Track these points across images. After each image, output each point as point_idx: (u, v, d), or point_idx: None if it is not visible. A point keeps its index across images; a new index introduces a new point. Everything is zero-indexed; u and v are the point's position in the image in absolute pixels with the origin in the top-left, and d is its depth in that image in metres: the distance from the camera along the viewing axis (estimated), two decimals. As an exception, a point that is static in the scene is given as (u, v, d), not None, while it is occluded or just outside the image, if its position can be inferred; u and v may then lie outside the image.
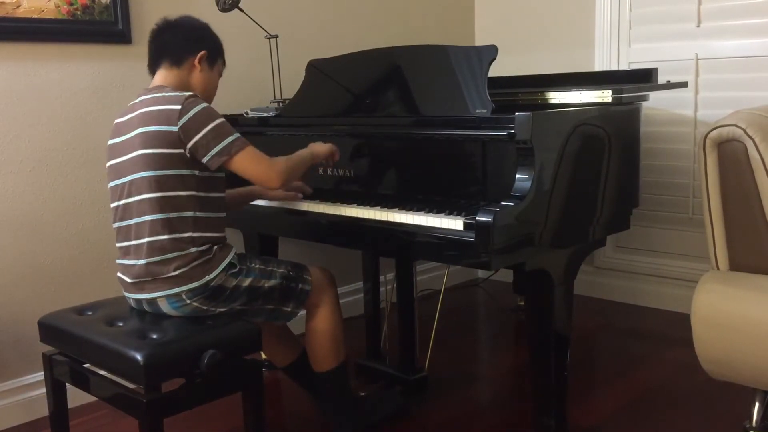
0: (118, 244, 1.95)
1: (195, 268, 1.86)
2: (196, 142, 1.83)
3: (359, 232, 2.12)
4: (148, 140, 1.84)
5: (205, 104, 1.87)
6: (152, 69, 2.04)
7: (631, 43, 3.31)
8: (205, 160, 1.85)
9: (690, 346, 2.02)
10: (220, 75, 2.13)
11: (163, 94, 1.89)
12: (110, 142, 1.98)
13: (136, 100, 1.95)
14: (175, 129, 1.82)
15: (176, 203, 1.85)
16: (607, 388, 2.56)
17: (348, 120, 2.38)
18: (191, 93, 1.89)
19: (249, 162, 1.89)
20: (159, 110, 1.85)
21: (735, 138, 1.96)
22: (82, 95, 2.53)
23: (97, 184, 2.57)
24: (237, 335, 1.87)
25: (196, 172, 1.87)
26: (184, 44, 2.01)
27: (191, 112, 1.83)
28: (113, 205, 1.95)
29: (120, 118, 1.98)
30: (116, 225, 1.94)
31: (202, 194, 1.89)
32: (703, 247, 2.16)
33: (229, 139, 1.86)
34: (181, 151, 1.83)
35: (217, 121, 1.86)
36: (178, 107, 1.83)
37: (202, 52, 2.02)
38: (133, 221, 1.89)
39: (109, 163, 1.97)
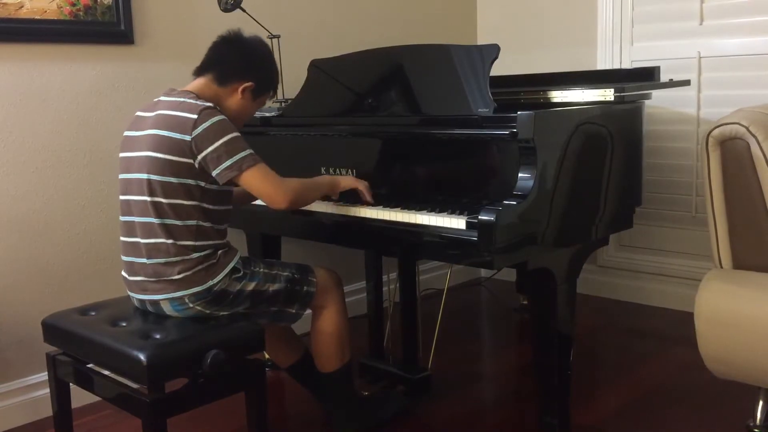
0: (122, 238, 1.95)
1: (198, 273, 1.86)
2: (207, 154, 1.81)
3: (362, 232, 2.12)
4: (159, 144, 1.83)
5: (221, 116, 1.85)
6: (198, 72, 2.00)
7: (634, 42, 3.31)
8: (215, 173, 1.83)
9: (693, 345, 2.02)
10: (262, 105, 2.09)
11: (185, 100, 1.87)
12: (126, 133, 1.97)
13: (162, 98, 1.93)
14: (188, 138, 1.81)
15: (180, 211, 1.85)
16: (610, 386, 2.55)
17: (350, 119, 2.38)
18: (210, 104, 1.86)
19: (258, 179, 1.86)
20: (175, 116, 1.84)
21: (738, 136, 1.96)
22: (85, 96, 2.53)
23: (100, 185, 2.58)
24: (240, 335, 1.87)
25: (203, 184, 1.86)
26: (236, 67, 1.97)
27: (206, 123, 1.81)
28: (121, 198, 1.94)
29: (142, 111, 1.96)
30: (121, 218, 1.95)
31: (207, 206, 1.88)
32: (707, 245, 2.16)
33: (241, 154, 1.84)
34: (191, 161, 1.82)
35: (232, 135, 1.84)
36: (194, 117, 1.81)
37: (249, 83, 1.98)
38: (136, 219, 1.89)
39: (120, 154, 1.96)
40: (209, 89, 1.96)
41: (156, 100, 1.96)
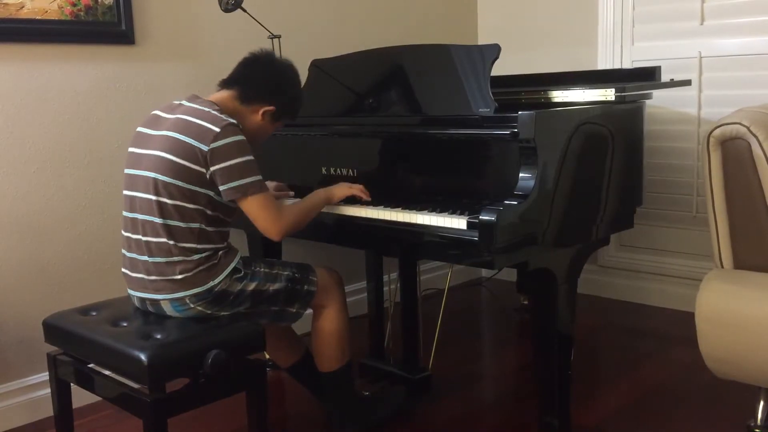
0: (124, 233, 1.95)
1: (199, 273, 1.86)
2: (218, 169, 1.82)
3: (363, 232, 2.12)
4: (175, 148, 1.83)
5: (242, 137, 1.86)
6: (223, 85, 2.01)
7: (635, 42, 3.31)
8: (221, 188, 1.84)
9: (694, 345, 2.02)
10: (280, 127, 2.10)
11: (208, 110, 1.87)
12: (139, 129, 1.97)
13: (183, 102, 1.94)
14: (205, 148, 1.81)
15: (184, 214, 1.85)
16: (610, 387, 2.55)
17: (351, 119, 2.38)
18: (233, 121, 1.87)
19: (258, 208, 1.88)
20: (196, 123, 1.84)
21: (739, 136, 1.96)
22: (86, 96, 2.53)
23: (101, 185, 2.58)
24: (241, 335, 1.87)
25: (212, 194, 1.86)
26: (262, 89, 1.98)
27: (227, 140, 1.82)
28: (125, 193, 1.95)
29: (159, 111, 1.96)
30: (125, 214, 1.95)
31: (211, 213, 1.88)
32: (707, 245, 2.16)
33: (251, 179, 1.85)
34: (203, 170, 1.83)
35: (247, 157, 1.85)
36: (217, 129, 1.82)
37: (271, 107, 1.99)
38: (140, 216, 1.89)
39: (130, 149, 1.96)
40: (231, 104, 1.97)
41: (177, 102, 1.96)
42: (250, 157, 1.86)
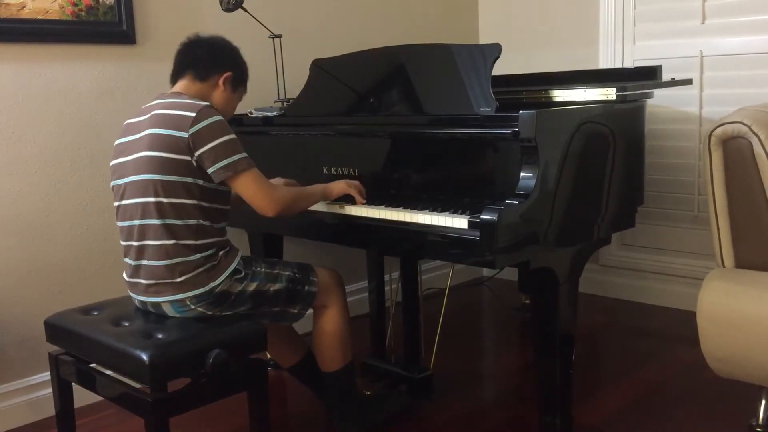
0: (122, 242, 1.96)
1: (200, 275, 1.86)
2: (203, 152, 1.82)
3: (364, 232, 2.11)
4: (156, 143, 1.83)
5: (219, 117, 1.86)
6: (174, 78, 2.03)
7: (636, 41, 3.30)
8: (210, 171, 1.84)
9: (696, 344, 2.02)
10: (240, 100, 2.12)
11: (180, 100, 1.89)
12: (117, 141, 1.97)
13: (151, 103, 1.95)
14: (185, 135, 1.81)
15: (180, 210, 1.85)
16: (612, 386, 2.55)
17: (352, 119, 2.38)
18: (208, 103, 1.88)
19: (250, 184, 1.88)
20: (172, 114, 1.85)
21: (740, 135, 1.96)
22: (87, 96, 2.53)
23: (102, 185, 2.58)
24: (242, 335, 1.87)
25: (201, 182, 1.86)
26: (212, 61, 2.00)
27: (205, 122, 1.82)
28: (116, 204, 1.94)
29: (132, 119, 1.97)
30: (119, 224, 1.95)
31: (206, 204, 1.88)
32: (709, 244, 2.16)
33: (237, 156, 1.85)
34: (188, 158, 1.83)
35: (229, 136, 1.85)
36: (193, 114, 1.82)
37: (228, 73, 2.02)
38: (135, 222, 1.88)
39: (113, 162, 1.96)
40: (194, 88, 1.99)
41: (145, 106, 1.97)
42: (233, 136, 1.87)
